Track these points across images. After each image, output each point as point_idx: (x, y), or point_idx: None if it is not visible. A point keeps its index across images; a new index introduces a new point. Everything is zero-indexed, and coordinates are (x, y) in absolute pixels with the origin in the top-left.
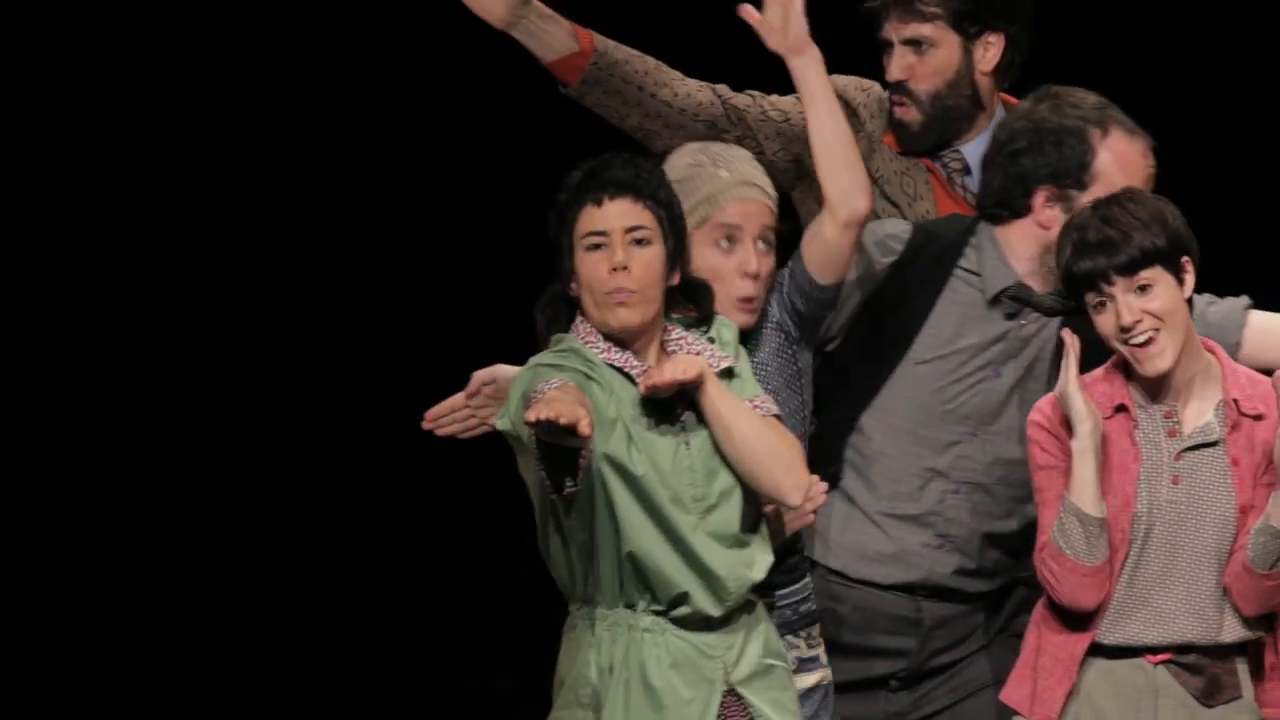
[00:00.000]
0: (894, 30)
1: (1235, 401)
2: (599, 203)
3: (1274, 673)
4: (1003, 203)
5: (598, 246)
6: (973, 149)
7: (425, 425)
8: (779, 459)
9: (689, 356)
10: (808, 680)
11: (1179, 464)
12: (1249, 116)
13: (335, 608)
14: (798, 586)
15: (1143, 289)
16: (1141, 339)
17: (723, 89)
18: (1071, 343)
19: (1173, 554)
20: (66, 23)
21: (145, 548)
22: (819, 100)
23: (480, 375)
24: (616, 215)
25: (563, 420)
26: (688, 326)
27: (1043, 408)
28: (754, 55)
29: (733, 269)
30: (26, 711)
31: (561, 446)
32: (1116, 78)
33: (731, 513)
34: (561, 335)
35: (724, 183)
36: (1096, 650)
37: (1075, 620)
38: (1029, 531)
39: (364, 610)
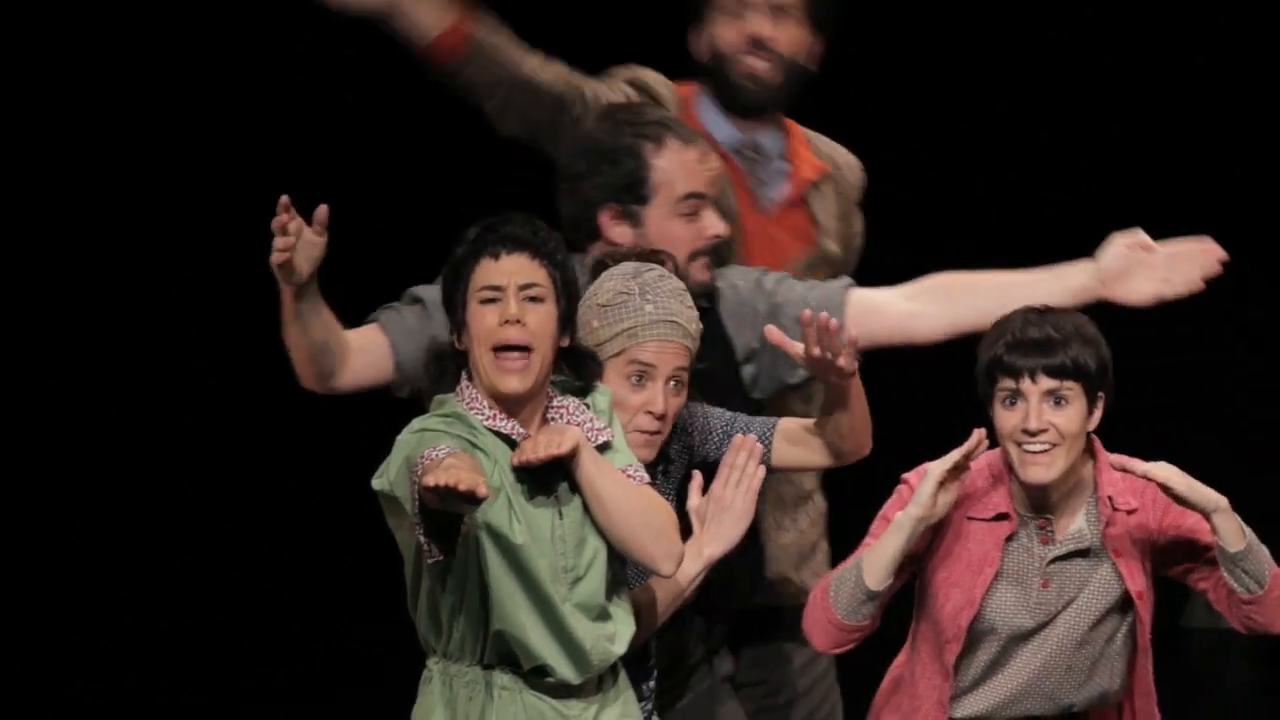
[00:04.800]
0: None
1: (1110, 498)
2: (495, 256)
3: None
4: (576, 227)
5: (492, 300)
6: (770, 140)
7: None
8: (652, 528)
9: (564, 427)
10: None
11: (1050, 569)
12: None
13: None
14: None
15: (1058, 401)
16: (1037, 448)
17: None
18: (978, 440)
19: (1039, 646)
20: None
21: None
22: (856, 402)
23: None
24: (512, 270)
25: (462, 487)
26: (565, 390)
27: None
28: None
29: (638, 404)
30: None
31: (442, 512)
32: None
33: (597, 582)
34: (444, 397)
35: (647, 319)
36: None
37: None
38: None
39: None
